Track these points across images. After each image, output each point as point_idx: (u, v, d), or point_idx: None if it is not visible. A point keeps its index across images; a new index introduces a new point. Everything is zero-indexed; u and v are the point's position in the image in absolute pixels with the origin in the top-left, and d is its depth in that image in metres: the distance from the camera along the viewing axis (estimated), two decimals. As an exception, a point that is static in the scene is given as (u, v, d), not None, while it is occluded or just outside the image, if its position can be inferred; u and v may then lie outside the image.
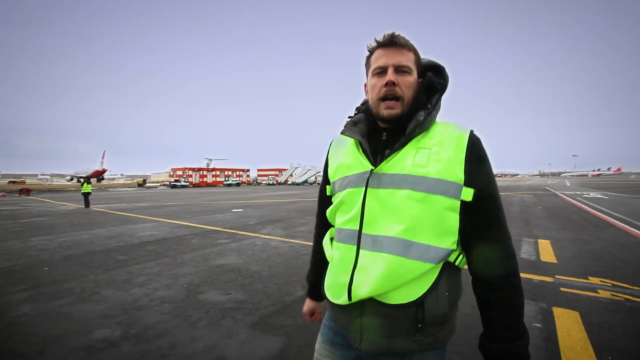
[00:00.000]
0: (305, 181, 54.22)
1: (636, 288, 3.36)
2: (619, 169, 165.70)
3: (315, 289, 1.17)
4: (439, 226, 0.81)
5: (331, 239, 1.04)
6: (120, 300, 3.26)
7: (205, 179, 51.10)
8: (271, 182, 55.56)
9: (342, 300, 0.86)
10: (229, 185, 50.78)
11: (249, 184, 58.39)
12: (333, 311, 0.95)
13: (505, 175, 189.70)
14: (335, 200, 0.96)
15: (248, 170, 60.51)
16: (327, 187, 1.06)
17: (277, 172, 62.01)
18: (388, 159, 0.84)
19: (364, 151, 0.90)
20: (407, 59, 0.86)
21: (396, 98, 0.85)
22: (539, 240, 5.82)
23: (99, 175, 63.05)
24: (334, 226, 1.03)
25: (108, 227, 8.38)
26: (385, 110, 0.86)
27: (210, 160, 55.83)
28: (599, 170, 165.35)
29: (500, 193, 0.87)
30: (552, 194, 19.45)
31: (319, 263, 1.13)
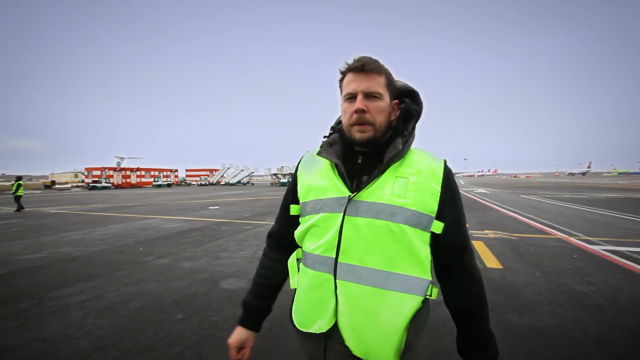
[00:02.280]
0: (239, 181, 54.36)
1: (504, 232, 6.80)
2: (495, 171, 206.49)
3: (254, 315, 1.04)
4: (415, 256, 0.82)
5: (297, 260, 1.00)
6: (242, 256, 5.16)
7: (129, 180, 47.03)
8: (204, 183, 53.98)
9: (315, 328, 0.86)
10: (159, 186, 47.74)
11: (178, 184, 55.54)
12: (299, 339, 0.95)
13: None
14: (306, 222, 0.93)
15: (176, 170, 57.49)
16: (293, 206, 1.00)
17: (208, 173, 60.36)
18: (367, 186, 0.84)
19: (341, 175, 0.88)
20: (377, 84, 0.85)
21: (367, 123, 0.85)
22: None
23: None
24: (300, 247, 0.99)
25: (119, 223, 9.15)
26: (358, 134, 0.86)
27: (122, 159, 51.16)
28: (482, 171, 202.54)
29: None
30: (453, 190, 25.41)
31: (267, 283, 1.06)
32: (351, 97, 0.86)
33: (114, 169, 45.70)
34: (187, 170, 64.21)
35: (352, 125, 0.86)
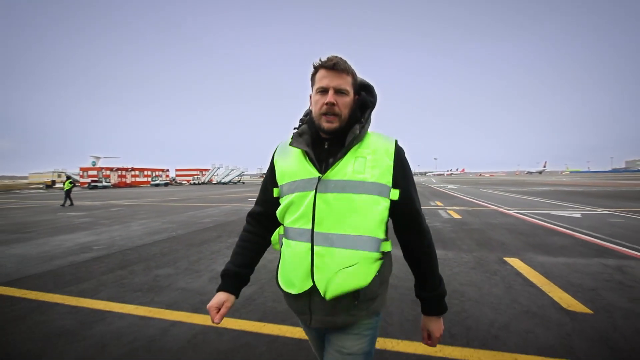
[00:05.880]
0: (230, 180, 57.23)
1: (464, 207, 11.58)
2: (463, 170, 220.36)
3: (235, 281, 1.17)
4: (376, 220, 1.00)
5: (279, 236, 1.17)
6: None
7: (124, 179, 48.78)
8: (197, 182, 56.17)
9: (299, 289, 1.03)
10: (157, 185, 49.84)
11: (171, 183, 57.53)
12: (287, 300, 1.12)
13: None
14: (284, 201, 1.10)
15: (167, 170, 59.42)
16: (274, 189, 1.16)
17: (198, 172, 62.64)
18: (333, 167, 1.01)
19: (311, 160, 1.04)
20: (346, 82, 1.03)
21: (335, 115, 1.02)
22: (447, 209, 14.17)
23: None
24: (281, 225, 1.16)
25: (208, 208, 12.91)
26: (326, 124, 1.03)
27: (98, 158, 51.81)
28: (451, 170, 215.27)
29: None
30: (428, 187, 30.58)
31: (247, 253, 1.21)
32: (323, 91, 1.02)
33: (111, 169, 47.32)
34: (177, 170, 65.99)
35: (322, 115, 1.03)
